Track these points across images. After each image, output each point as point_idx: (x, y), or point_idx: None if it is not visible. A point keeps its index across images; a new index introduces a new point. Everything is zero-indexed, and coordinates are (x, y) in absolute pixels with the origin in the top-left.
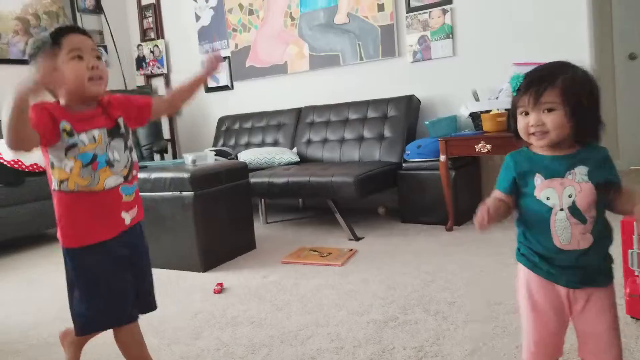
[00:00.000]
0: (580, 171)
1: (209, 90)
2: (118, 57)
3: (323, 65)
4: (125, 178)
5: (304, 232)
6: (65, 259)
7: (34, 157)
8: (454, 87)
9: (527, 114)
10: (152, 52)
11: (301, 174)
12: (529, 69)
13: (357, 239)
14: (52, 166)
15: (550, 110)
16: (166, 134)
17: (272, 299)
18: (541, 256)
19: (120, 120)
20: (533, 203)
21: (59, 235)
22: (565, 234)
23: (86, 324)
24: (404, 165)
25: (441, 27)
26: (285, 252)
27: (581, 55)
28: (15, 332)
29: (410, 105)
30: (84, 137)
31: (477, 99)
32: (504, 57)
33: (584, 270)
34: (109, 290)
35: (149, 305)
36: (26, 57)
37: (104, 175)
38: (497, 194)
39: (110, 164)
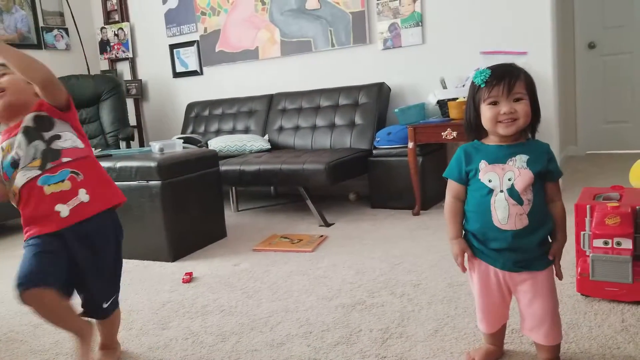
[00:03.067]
0: (521, 158)
1: (177, 75)
2: (80, 40)
3: (295, 52)
4: (42, 167)
5: (276, 220)
6: None
7: None
8: (423, 74)
9: (495, 104)
10: (116, 35)
11: (273, 161)
12: (494, 57)
13: (328, 224)
14: None
15: (518, 100)
16: (132, 121)
17: (242, 287)
18: (479, 240)
19: (29, 116)
20: (477, 185)
21: None
22: (504, 213)
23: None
24: (374, 152)
25: (411, 15)
26: (257, 239)
27: (544, 44)
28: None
29: (380, 92)
30: None
31: (444, 87)
32: (471, 45)
33: (519, 253)
34: (36, 253)
35: (94, 312)
36: None
37: (14, 175)
38: (450, 186)
39: (15, 164)
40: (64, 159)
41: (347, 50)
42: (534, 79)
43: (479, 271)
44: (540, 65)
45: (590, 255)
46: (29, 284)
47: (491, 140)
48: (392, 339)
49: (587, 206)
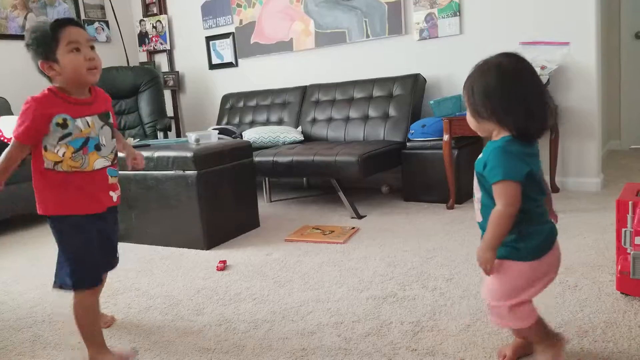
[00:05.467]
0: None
1: (213, 67)
2: (120, 32)
3: (329, 43)
4: (112, 162)
5: (308, 211)
6: (50, 225)
7: None
8: (460, 66)
9: None
10: (154, 27)
11: (305, 153)
12: (535, 48)
13: (360, 217)
14: (45, 149)
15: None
16: (170, 112)
17: (274, 276)
18: None
19: (110, 114)
20: None
21: (40, 206)
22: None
23: (78, 280)
24: (408, 144)
25: (449, 5)
26: (289, 230)
27: (588, 34)
28: (22, 308)
29: (415, 84)
30: (79, 123)
31: None
32: (510, 36)
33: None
34: (82, 255)
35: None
36: (24, 45)
37: (93, 158)
38: (517, 190)
39: (98, 147)
40: (117, 159)
41: (382, 41)
42: (576, 71)
43: None
44: (583, 56)
45: (632, 252)
46: (92, 283)
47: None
48: (423, 332)
49: (630, 202)
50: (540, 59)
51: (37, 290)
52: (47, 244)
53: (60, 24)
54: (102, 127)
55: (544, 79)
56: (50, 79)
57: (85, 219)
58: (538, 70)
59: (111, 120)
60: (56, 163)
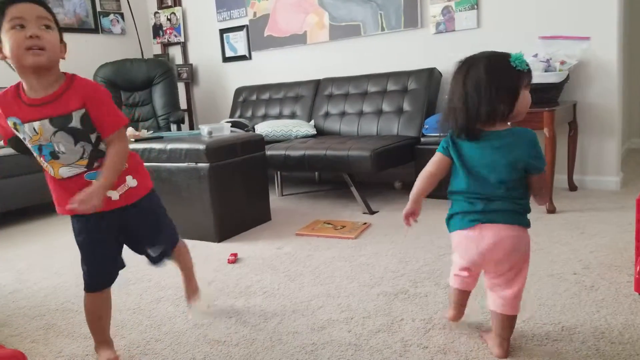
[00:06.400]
0: None
1: (227, 60)
2: (135, 24)
3: (343, 36)
4: (88, 167)
5: (319, 205)
6: None
7: None
8: None
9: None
10: (169, 19)
11: (318, 147)
12: (554, 42)
13: (372, 212)
14: None
15: None
16: (183, 105)
17: (285, 270)
18: None
19: (76, 114)
20: None
21: None
22: None
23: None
24: (422, 139)
25: None
26: (300, 224)
27: (609, 28)
28: (36, 297)
29: (431, 78)
30: (27, 128)
31: None
32: (529, 30)
33: None
34: (89, 257)
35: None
36: None
37: (56, 166)
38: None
39: (54, 156)
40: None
41: (397, 34)
42: (597, 66)
43: None
44: (604, 51)
45: None
46: (94, 288)
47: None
48: (434, 330)
49: None
50: (559, 54)
51: (51, 279)
52: (62, 234)
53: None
54: (54, 133)
55: (563, 75)
56: (11, 66)
57: (76, 220)
58: (557, 65)
59: (74, 124)
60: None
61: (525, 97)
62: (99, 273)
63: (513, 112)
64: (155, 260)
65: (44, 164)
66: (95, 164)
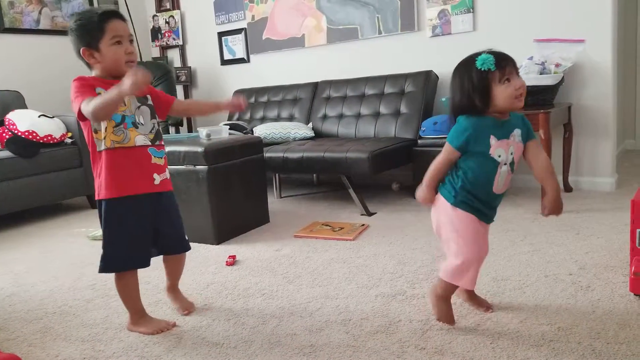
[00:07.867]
0: (518, 133)
1: (225, 62)
2: (133, 27)
3: (341, 39)
4: (152, 142)
5: (317, 207)
6: (100, 210)
7: (49, 128)
8: None
9: (508, 81)
10: (167, 22)
11: (316, 149)
12: (549, 45)
13: (370, 214)
14: (95, 131)
15: (518, 75)
16: None
17: (283, 272)
18: (483, 202)
19: (149, 97)
20: (486, 159)
21: (97, 189)
22: (502, 181)
23: (106, 265)
24: (419, 141)
25: (462, 1)
26: (298, 226)
27: (604, 31)
28: (33, 300)
29: (428, 81)
30: None
31: None
32: (524, 33)
33: (496, 210)
34: (130, 237)
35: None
36: (68, 30)
37: (133, 133)
38: (449, 150)
39: (135, 125)
40: (161, 141)
41: (394, 37)
42: (591, 69)
43: (474, 227)
44: (599, 54)
45: None
46: (137, 264)
47: (492, 115)
48: (432, 331)
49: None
50: (554, 57)
51: (49, 282)
52: (60, 237)
53: (108, 16)
54: (138, 107)
55: (558, 77)
56: (89, 65)
57: (119, 201)
58: (552, 68)
59: (150, 102)
60: (102, 141)
61: (502, 91)
62: (147, 249)
63: (491, 105)
64: (177, 243)
65: (122, 133)
66: (157, 142)
